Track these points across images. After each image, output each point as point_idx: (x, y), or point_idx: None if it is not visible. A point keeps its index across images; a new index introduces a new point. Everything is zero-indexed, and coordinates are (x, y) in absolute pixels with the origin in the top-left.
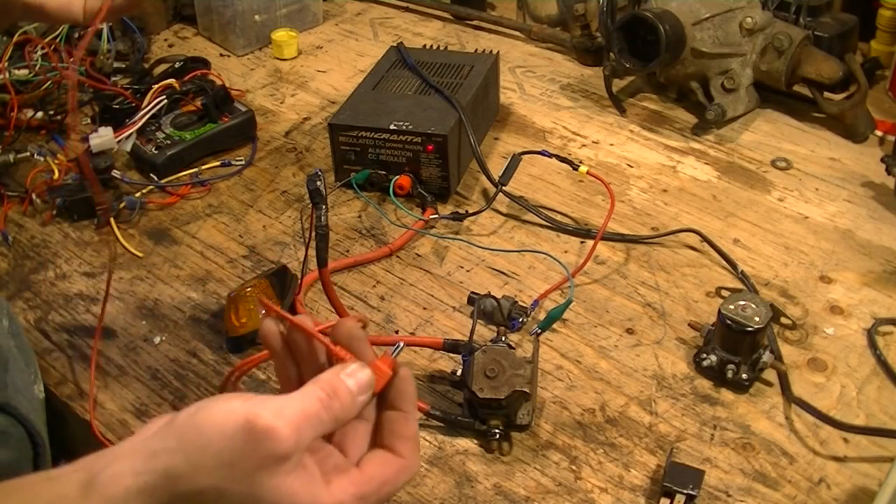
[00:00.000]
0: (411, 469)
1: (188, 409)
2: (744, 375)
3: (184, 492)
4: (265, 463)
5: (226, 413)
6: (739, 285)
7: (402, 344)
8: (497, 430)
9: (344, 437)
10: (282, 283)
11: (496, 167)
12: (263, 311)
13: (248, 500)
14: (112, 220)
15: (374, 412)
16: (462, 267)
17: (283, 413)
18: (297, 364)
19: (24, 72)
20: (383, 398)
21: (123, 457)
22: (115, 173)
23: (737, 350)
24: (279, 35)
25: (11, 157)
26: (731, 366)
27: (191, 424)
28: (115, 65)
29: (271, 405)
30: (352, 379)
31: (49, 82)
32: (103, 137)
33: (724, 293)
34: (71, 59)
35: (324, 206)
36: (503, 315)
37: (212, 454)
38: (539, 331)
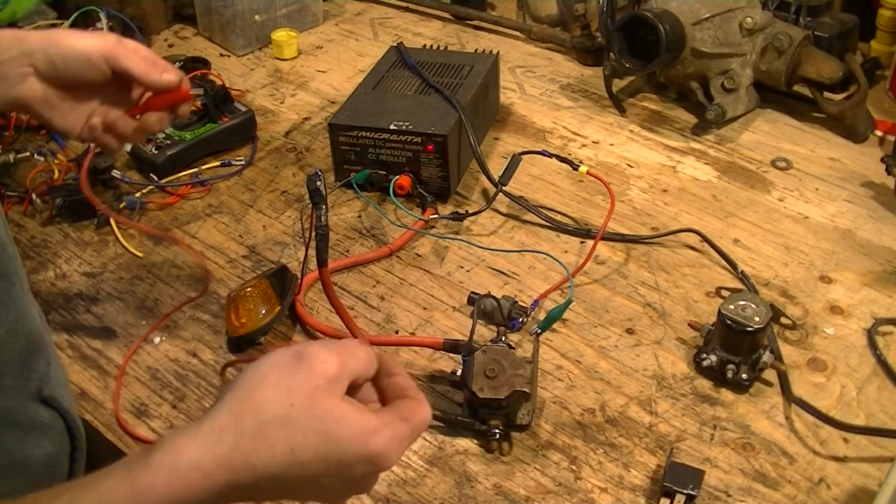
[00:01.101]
0: (427, 408)
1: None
2: (744, 375)
3: (250, 427)
4: (319, 383)
5: (278, 353)
6: (739, 285)
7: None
8: (497, 430)
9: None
10: (282, 283)
11: (496, 167)
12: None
13: (311, 423)
14: (112, 219)
15: (374, 393)
16: (462, 267)
17: (327, 345)
18: None
19: None
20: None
21: (187, 425)
22: (115, 173)
23: (737, 350)
24: (279, 35)
25: (11, 157)
26: (731, 366)
27: (250, 370)
28: None
29: (317, 341)
30: (361, 348)
31: None
32: None
33: (724, 293)
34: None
35: (324, 206)
36: (503, 315)
37: (271, 384)
38: (539, 331)
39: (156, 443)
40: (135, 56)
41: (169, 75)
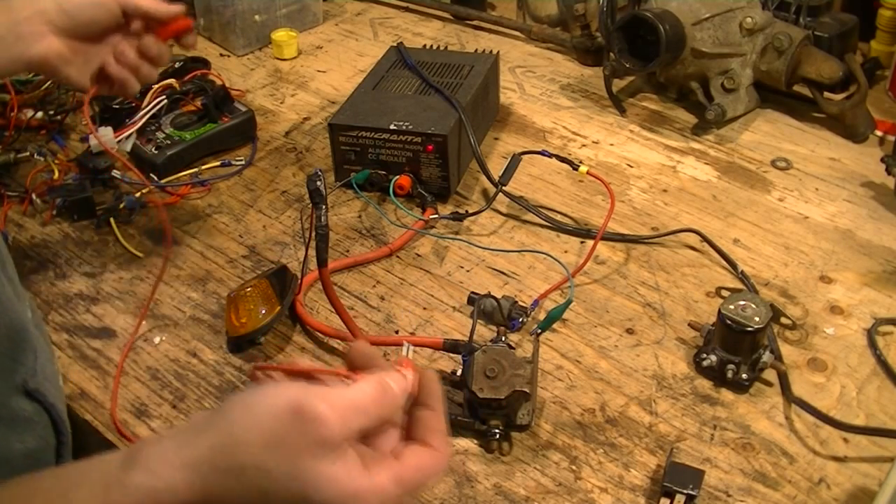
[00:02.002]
0: (444, 459)
1: (236, 394)
2: (744, 375)
3: (227, 467)
4: (310, 447)
5: (276, 395)
6: (739, 285)
7: (408, 345)
8: (497, 430)
9: (377, 439)
10: (282, 283)
11: (496, 167)
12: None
13: (290, 482)
14: (112, 219)
15: (402, 416)
16: (462, 267)
17: (333, 401)
18: None
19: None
20: (411, 399)
21: (167, 438)
22: (115, 173)
23: (737, 350)
24: (279, 35)
25: (11, 157)
26: (731, 366)
27: (241, 405)
28: None
29: (322, 392)
30: (395, 383)
31: (49, 82)
32: (103, 137)
33: (724, 293)
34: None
35: (324, 206)
36: (503, 315)
37: (259, 432)
38: (539, 331)
39: (133, 458)
40: None
41: (174, 6)
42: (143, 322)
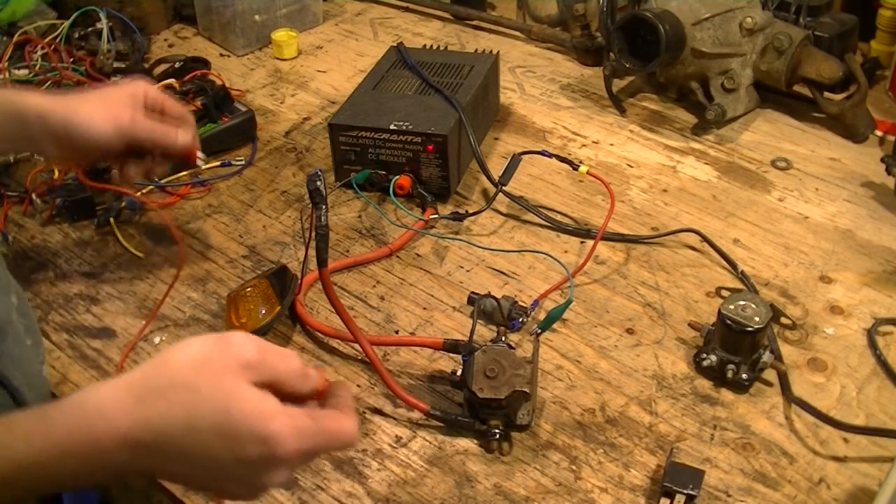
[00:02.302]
0: (352, 424)
1: None
2: (744, 375)
3: (158, 385)
4: (230, 364)
5: (208, 334)
6: (739, 285)
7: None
8: (497, 430)
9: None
10: (282, 283)
11: (496, 167)
12: None
13: (214, 395)
14: (112, 219)
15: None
16: (462, 267)
17: (258, 340)
18: None
19: (24, 72)
20: (322, 403)
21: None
22: (116, 173)
23: (737, 350)
24: (279, 35)
25: (11, 157)
26: (731, 366)
27: (176, 343)
28: (116, 65)
29: (250, 334)
30: (295, 359)
31: (49, 82)
32: None
33: (724, 293)
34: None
35: (324, 206)
36: (503, 315)
37: (187, 354)
38: (539, 331)
39: (69, 396)
40: (149, 126)
41: (184, 137)
42: (145, 322)
